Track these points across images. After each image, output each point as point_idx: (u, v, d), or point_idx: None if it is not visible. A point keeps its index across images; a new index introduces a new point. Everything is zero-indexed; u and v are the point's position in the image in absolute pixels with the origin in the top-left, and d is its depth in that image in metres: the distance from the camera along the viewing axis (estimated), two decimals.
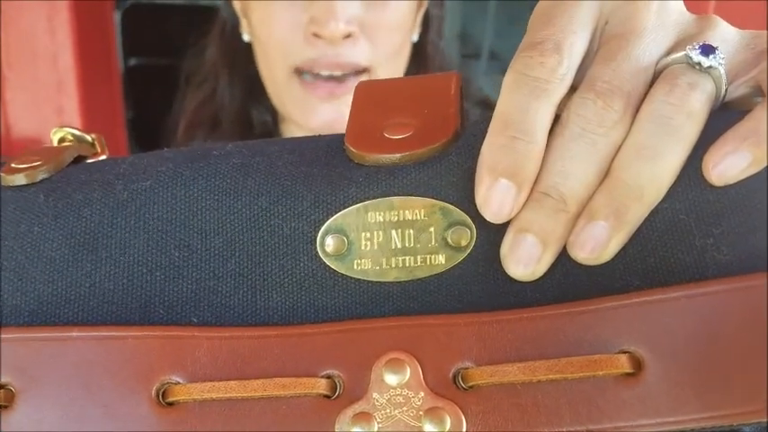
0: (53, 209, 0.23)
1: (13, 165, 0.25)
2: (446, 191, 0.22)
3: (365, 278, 0.22)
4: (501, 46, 1.08)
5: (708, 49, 0.21)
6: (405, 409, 0.19)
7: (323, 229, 0.22)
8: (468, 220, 0.22)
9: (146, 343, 0.21)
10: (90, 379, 0.21)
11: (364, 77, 0.61)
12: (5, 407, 0.21)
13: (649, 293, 0.19)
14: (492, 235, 0.21)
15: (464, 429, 0.19)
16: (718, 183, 0.20)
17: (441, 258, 0.22)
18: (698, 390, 0.18)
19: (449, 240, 0.22)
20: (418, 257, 0.22)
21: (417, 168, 0.22)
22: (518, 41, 0.23)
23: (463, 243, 0.21)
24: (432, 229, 0.22)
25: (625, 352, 0.19)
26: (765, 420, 0.18)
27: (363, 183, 0.22)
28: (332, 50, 0.58)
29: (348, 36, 0.58)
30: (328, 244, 0.22)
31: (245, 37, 0.68)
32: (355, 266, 0.22)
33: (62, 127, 0.27)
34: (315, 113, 0.61)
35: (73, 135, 0.27)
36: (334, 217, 0.22)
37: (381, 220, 0.22)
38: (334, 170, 0.23)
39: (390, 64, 0.63)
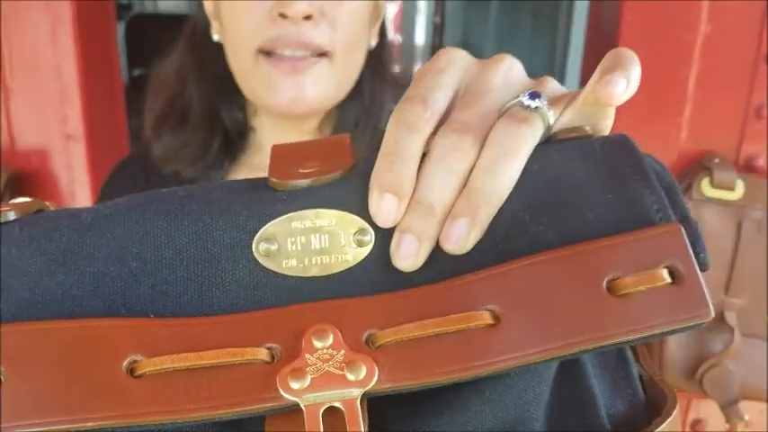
0: (27, 235, 0.28)
1: None
2: (351, 204, 0.27)
3: (292, 274, 0.27)
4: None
5: (535, 95, 0.28)
6: (330, 362, 0.25)
7: (257, 236, 0.27)
8: (369, 226, 0.27)
9: (114, 330, 0.26)
10: (70, 362, 0.25)
11: (325, 62, 0.65)
12: None
13: (499, 267, 0.26)
14: (386, 237, 0.27)
15: (376, 376, 0.24)
16: (610, 101, 0.27)
17: (349, 257, 0.27)
18: (543, 329, 0.24)
19: (354, 242, 0.27)
20: (332, 256, 0.27)
21: (328, 188, 0.28)
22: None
23: (365, 244, 0.27)
24: (342, 234, 0.27)
25: (488, 310, 0.25)
26: (597, 346, 0.24)
27: (287, 200, 0.28)
28: (294, 29, 0.63)
29: (309, 17, 0.63)
30: (262, 248, 0.27)
31: (215, 37, 0.71)
32: (284, 265, 0.27)
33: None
34: (279, 89, 0.65)
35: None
36: (266, 226, 0.27)
37: (303, 227, 0.27)
38: (263, 194, 0.28)
39: (348, 54, 0.67)
